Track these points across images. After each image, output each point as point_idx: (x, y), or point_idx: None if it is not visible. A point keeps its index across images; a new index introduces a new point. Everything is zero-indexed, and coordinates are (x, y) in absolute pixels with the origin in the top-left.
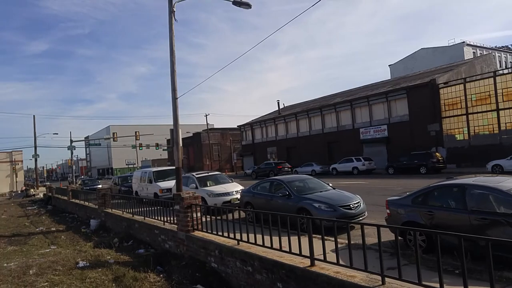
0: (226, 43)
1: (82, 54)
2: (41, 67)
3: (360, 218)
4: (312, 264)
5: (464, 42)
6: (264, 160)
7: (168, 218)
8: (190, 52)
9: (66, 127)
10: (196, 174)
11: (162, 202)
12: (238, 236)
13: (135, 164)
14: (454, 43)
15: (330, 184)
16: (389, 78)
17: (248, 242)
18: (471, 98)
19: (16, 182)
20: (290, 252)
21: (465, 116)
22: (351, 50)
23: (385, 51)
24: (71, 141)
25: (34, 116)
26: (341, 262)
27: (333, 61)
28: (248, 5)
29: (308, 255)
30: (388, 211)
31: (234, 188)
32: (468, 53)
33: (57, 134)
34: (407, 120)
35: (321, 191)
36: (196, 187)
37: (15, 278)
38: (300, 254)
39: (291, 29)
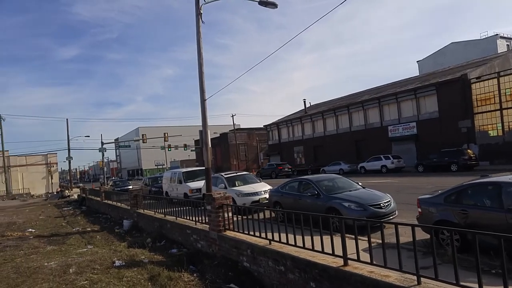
0: (251, 43)
1: (111, 58)
2: (72, 72)
3: (391, 217)
4: (345, 264)
5: (497, 34)
6: (292, 159)
7: (199, 218)
8: (216, 54)
9: (96, 129)
10: (225, 174)
11: (192, 202)
12: (269, 236)
13: (164, 165)
14: (486, 36)
15: (360, 183)
16: (418, 74)
17: (280, 242)
18: (505, 93)
19: (52, 183)
20: (322, 252)
21: (498, 112)
22: (378, 46)
23: (413, 47)
24: (102, 143)
25: (67, 119)
26: (374, 261)
27: (359, 58)
28: (274, 5)
29: (341, 254)
30: (419, 210)
31: (263, 188)
32: (501, 46)
33: (88, 136)
34: (436, 117)
35: (350, 190)
36: (225, 187)
37: (56, 276)
38: (332, 254)
39: (316, 27)
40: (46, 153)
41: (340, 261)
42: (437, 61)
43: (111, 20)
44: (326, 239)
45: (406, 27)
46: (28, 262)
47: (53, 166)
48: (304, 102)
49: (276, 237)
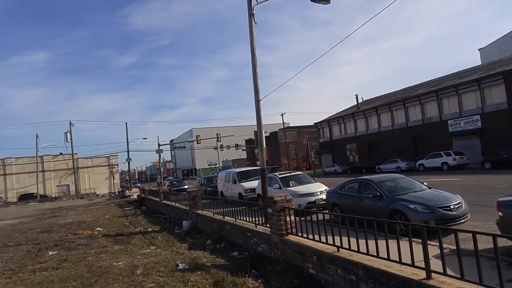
0: (297, 41)
1: (164, 63)
2: (130, 78)
3: (462, 221)
4: (429, 277)
5: None
6: (344, 157)
7: (258, 219)
8: (263, 54)
9: (152, 131)
10: (279, 174)
11: (248, 203)
12: (337, 241)
13: (216, 164)
14: None
15: (425, 183)
16: (480, 63)
17: (349, 249)
18: None
19: (113, 183)
20: (400, 262)
21: None
22: (431, 37)
23: (472, 35)
24: (159, 145)
25: (126, 123)
26: (450, 272)
27: (411, 50)
28: (326, 0)
29: (422, 266)
30: (500, 213)
31: (318, 189)
32: None
33: (146, 139)
34: (505, 108)
35: (415, 191)
36: (280, 187)
37: (125, 277)
38: (412, 265)
39: (364, 21)
40: (108, 155)
41: (422, 273)
42: (502, 47)
43: (164, 28)
44: (393, 244)
45: (463, 14)
46: (99, 261)
47: (115, 167)
48: (356, 97)
49: (345, 244)
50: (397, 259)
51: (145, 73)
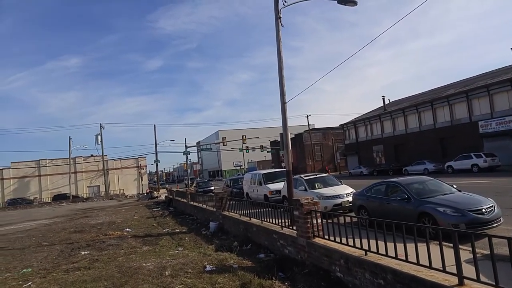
0: (322, 43)
1: (191, 66)
2: (157, 81)
3: (495, 225)
4: (461, 283)
5: None
6: (370, 159)
7: (283, 221)
8: (288, 56)
9: (179, 133)
10: (305, 176)
11: (273, 205)
12: (364, 245)
13: (242, 165)
14: None
15: (454, 186)
16: None
17: (377, 253)
18: None
19: (142, 185)
20: (430, 267)
21: None
22: (460, 37)
23: (504, 33)
24: (186, 147)
25: (154, 125)
26: (484, 279)
27: (439, 50)
28: (353, 2)
29: (454, 272)
30: None
31: (345, 191)
32: None
33: (173, 141)
34: None
35: (445, 194)
36: (305, 190)
37: (154, 278)
38: (444, 271)
39: (390, 22)
40: (137, 157)
41: (453, 280)
42: None
43: (190, 32)
44: (422, 247)
45: (493, 12)
46: (129, 261)
47: (143, 169)
48: (383, 98)
49: (373, 247)
50: (427, 264)
51: (172, 76)
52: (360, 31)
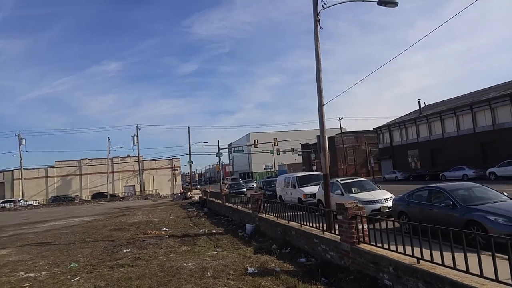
0: (354, 46)
1: (223, 70)
2: (191, 85)
3: None
4: None
5: None
6: (405, 164)
7: (322, 225)
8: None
9: (211, 135)
10: (341, 180)
11: (308, 209)
12: (416, 252)
13: (272, 168)
14: None
15: (505, 193)
16: None
17: (432, 262)
18: None
19: (175, 185)
20: (496, 280)
21: None
22: (501, 39)
23: None
24: (219, 149)
25: (188, 127)
26: None
27: (477, 53)
28: (394, 3)
29: None
30: None
31: (383, 196)
32: None
33: (207, 142)
34: None
35: (494, 201)
36: (342, 194)
37: (196, 279)
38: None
39: (425, 24)
40: (171, 158)
41: None
42: None
43: (224, 37)
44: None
45: None
46: (170, 261)
47: (177, 170)
48: (419, 102)
49: (426, 255)
50: (493, 277)
51: (205, 80)
52: (392, 34)
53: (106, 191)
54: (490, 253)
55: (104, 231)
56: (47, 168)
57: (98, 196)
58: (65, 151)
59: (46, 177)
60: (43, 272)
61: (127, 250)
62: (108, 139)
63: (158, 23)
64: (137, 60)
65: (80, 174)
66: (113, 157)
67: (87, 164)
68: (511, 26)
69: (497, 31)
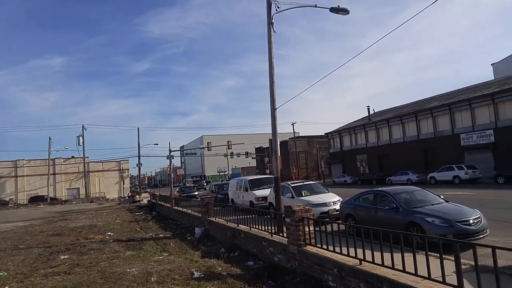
0: (309, 53)
1: (178, 71)
2: (143, 84)
3: (481, 236)
4: None
5: None
6: (354, 168)
7: (270, 228)
8: (276, 64)
9: (163, 137)
10: (292, 184)
11: (260, 212)
12: (359, 254)
13: (226, 171)
14: None
15: (442, 196)
16: (493, 78)
17: (373, 262)
18: None
19: (123, 188)
20: (429, 278)
21: None
22: (444, 51)
23: (486, 49)
24: (170, 151)
25: (138, 128)
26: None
27: (423, 63)
28: (345, 11)
29: (454, 283)
30: None
31: (332, 199)
32: None
33: (157, 144)
34: None
35: (432, 204)
36: (292, 197)
37: (139, 285)
38: (443, 282)
39: (375, 33)
40: (119, 160)
41: None
42: None
43: (178, 36)
44: (408, 257)
45: (478, 28)
46: (112, 267)
47: (125, 172)
48: (368, 108)
49: (368, 257)
50: (426, 275)
51: (158, 80)
52: (346, 42)
53: (47, 194)
54: (425, 253)
55: (40, 237)
56: None
57: (36, 200)
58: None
59: None
60: None
61: (65, 256)
62: (50, 138)
63: (110, 20)
64: (85, 56)
65: (16, 176)
66: (55, 158)
67: (24, 166)
68: (456, 38)
69: (441, 44)
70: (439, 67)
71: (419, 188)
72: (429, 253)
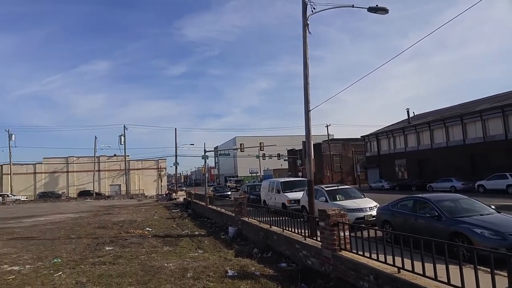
0: (345, 54)
1: (212, 73)
2: (180, 87)
3: None
4: None
5: None
6: (392, 173)
7: (303, 231)
8: (310, 65)
9: (198, 138)
10: (326, 187)
11: (292, 214)
12: (397, 261)
13: (258, 172)
14: None
15: (493, 206)
16: None
17: (413, 271)
18: None
19: (161, 186)
20: None
21: None
22: (493, 49)
23: None
24: (205, 151)
25: (175, 129)
26: None
27: (469, 64)
28: (384, 10)
29: None
30: None
31: (368, 204)
32: None
33: (193, 144)
34: None
35: (481, 214)
36: (326, 201)
37: (176, 279)
38: None
39: (416, 33)
40: (157, 159)
41: None
42: None
43: (213, 39)
44: (454, 269)
45: None
46: (151, 260)
47: (163, 171)
48: (408, 111)
49: (407, 265)
50: None
51: (194, 83)
52: (383, 42)
53: (92, 189)
54: (473, 266)
55: (88, 228)
56: (35, 164)
57: (84, 194)
58: (53, 148)
59: (34, 173)
60: (27, 266)
61: (110, 248)
62: (95, 137)
63: (149, 25)
64: (126, 61)
65: (67, 172)
66: (100, 155)
67: (74, 162)
68: (508, 36)
69: (492, 42)
70: (487, 68)
71: (465, 197)
72: (478, 266)
